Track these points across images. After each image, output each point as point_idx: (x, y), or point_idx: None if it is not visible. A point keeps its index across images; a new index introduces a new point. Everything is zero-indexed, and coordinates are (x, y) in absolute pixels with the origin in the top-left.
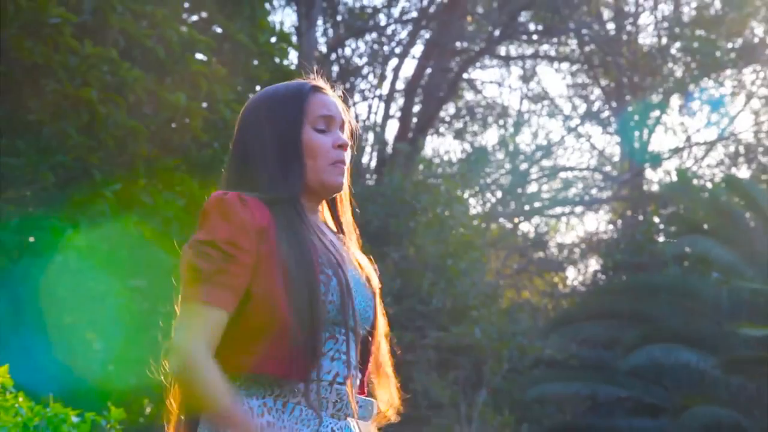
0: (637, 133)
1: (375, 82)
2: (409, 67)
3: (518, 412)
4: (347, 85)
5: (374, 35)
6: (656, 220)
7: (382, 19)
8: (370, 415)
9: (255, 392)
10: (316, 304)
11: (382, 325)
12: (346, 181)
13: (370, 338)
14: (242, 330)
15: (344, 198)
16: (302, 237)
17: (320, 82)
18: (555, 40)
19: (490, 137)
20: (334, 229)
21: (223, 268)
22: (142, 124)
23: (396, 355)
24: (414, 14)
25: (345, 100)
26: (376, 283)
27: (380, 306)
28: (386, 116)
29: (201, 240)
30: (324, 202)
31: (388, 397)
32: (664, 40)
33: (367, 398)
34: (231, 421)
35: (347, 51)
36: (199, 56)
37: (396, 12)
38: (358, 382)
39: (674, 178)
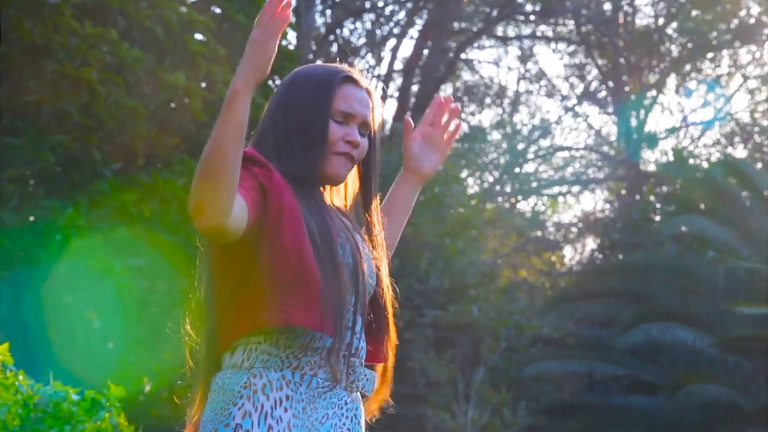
0: (633, 113)
1: (373, 62)
2: (407, 48)
3: (516, 390)
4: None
5: (372, 16)
6: (653, 199)
7: None
8: (372, 389)
9: (273, 365)
10: (340, 264)
11: (389, 298)
12: (344, 175)
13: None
14: (266, 285)
15: (373, 194)
16: (320, 205)
17: (355, 73)
18: (552, 20)
19: (487, 117)
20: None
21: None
22: (141, 104)
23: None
24: None
25: (370, 95)
26: (383, 265)
27: (387, 279)
28: (384, 96)
29: None
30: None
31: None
32: (661, 21)
33: (372, 372)
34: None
35: (345, 32)
36: (198, 36)
37: None
38: (364, 354)
39: (671, 157)
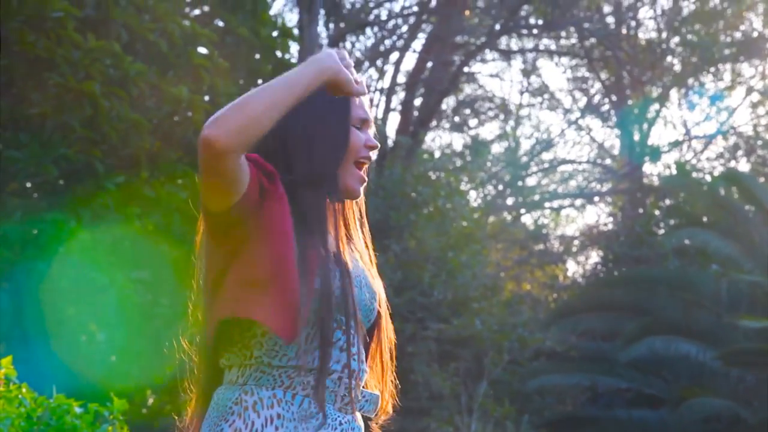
0: (636, 127)
1: (376, 75)
2: (410, 61)
3: (519, 404)
4: None
5: (375, 29)
6: (656, 212)
7: (384, 13)
8: (374, 409)
9: (265, 383)
10: (329, 287)
11: (387, 325)
12: (362, 191)
13: (373, 335)
14: (246, 278)
15: (361, 208)
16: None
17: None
18: (555, 34)
19: (490, 130)
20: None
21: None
22: (144, 118)
23: (397, 346)
24: (415, 8)
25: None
26: (381, 290)
27: (385, 308)
28: (387, 109)
29: None
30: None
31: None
32: (664, 34)
33: (373, 392)
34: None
35: (348, 45)
36: (201, 50)
37: (397, 6)
38: (364, 375)
39: (674, 171)
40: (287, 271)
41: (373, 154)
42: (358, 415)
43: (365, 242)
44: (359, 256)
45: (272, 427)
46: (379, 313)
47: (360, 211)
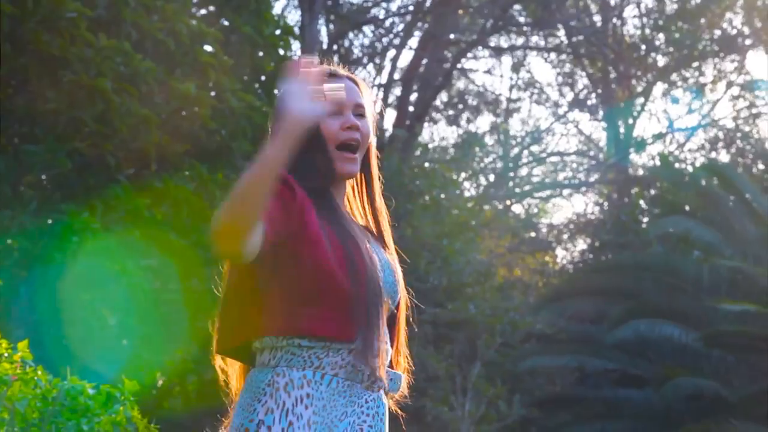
0: (622, 120)
1: (374, 72)
2: (406, 58)
3: (510, 384)
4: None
5: (373, 28)
6: (641, 202)
7: (381, 12)
8: (398, 388)
9: (295, 364)
10: (363, 274)
11: (404, 305)
12: (355, 167)
13: (395, 317)
14: (293, 294)
15: (374, 179)
16: (340, 216)
17: (333, 67)
18: (544, 31)
19: (482, 124)
20: (359, 215)
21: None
22: (153, 113)
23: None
24: (410, 8)
25: (355, 82)
26: (399, 270)
27: (404, 293)
28: (384, 104)
29: None
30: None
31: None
32: (648, 32)
33: (397, 372)
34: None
35: (347, 43)
36: (208, 48)
37: (393, 6)
38: (389, 356)
39: (657, 162)
40: (332, 278)
41: (357, 134)
42: (382, 393)
43: (380, 223)
44: (377, 238)
45: (302, 406)
46: (399, 298)
47: (373, 193)
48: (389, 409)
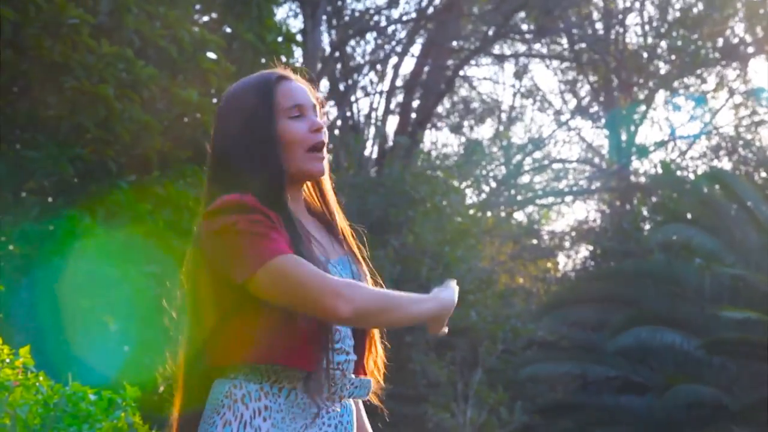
0: (624, 127)
1: (376, 79)
2: (408, 65)
3: (512, 391)
4: (349, 82)
5: (375, 35)
6: (643, 209)
7: (383, 19)
8: (366, 393)
9: (253, 378)
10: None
11: None
12: (326, 166)
13: None
14: (252, 323)
15: (325, 180)
16: (302, 235)
17: (285, 71)
18: (546, 39)
19: (485, 131)
20: (316, 212)
21: (272, 228)
22: (155, 119)
23: (395, 336)
24: (413, 15)
25: (312, 81)
26: (365, 272)
27: (369, 280)
28: (387, 111)
29: (236, 220)
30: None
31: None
32: (650, 40)
33: (363, 378)
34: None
35: (349, 50)
36: (210, 55)
37: (396, 13)
38: (352, 365)
39: (659, 169)
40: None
41: (324, 134)
42: (347, 401)
43: (337, 222)
44: (340, 239)
45: (260, 418)
46: None
47: (324, 191)
48: (368, 403)
